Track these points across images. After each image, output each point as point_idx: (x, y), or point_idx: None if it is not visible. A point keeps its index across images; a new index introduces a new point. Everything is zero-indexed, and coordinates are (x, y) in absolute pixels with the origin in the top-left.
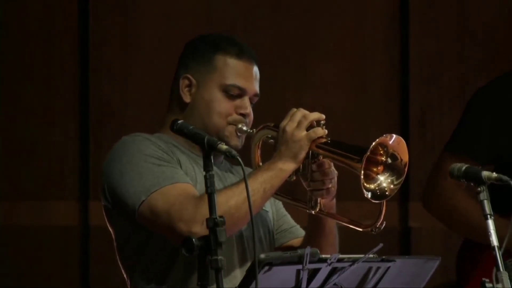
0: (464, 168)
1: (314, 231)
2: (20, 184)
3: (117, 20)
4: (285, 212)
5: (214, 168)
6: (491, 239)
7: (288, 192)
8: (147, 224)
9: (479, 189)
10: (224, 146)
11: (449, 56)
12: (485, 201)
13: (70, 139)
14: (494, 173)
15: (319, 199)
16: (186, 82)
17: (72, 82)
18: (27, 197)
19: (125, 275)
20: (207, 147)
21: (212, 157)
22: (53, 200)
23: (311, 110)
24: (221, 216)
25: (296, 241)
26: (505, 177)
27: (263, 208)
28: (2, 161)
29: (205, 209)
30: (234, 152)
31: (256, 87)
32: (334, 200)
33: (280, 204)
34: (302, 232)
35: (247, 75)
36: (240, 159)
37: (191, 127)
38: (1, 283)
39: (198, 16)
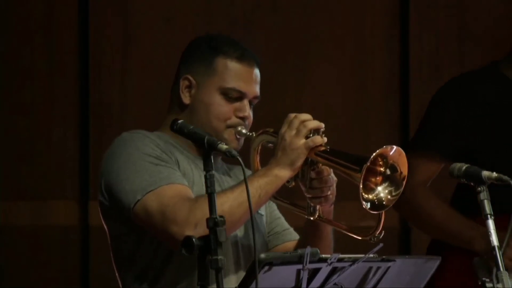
0: (464, 168)
1: (310, 235)
2: (20, 184)
3: (117, 20)
4: (279, 215)
5: None
6: (491, 239)
7: (287, 196)
8: (141, 223)
9: (479, 189)
10: (224, 146)
11: (449, 56)
12: (485, 201)
13: (70, 139)
14: (494, 173)
15: (318, 206)
16: (186, 83)
17: (72, 82)
18: (27, 197)
19: (117, 274)
20: (207, 147)
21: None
22: (53, 200)
23: (311, 110)
24: (221, 216)
25: (290, 244)
26: (505, 177)
27: (258, 211)
28: (2, 161)
29: (199, 212)
30: (234, 152)
31: (256, 89)
32: (332, 207)
33: (274, 206)
34: (295, 236)
35: (247, 78)
36: (240, 159)
37: (191, 127)
38: (1, 283)
39: (198, 16)
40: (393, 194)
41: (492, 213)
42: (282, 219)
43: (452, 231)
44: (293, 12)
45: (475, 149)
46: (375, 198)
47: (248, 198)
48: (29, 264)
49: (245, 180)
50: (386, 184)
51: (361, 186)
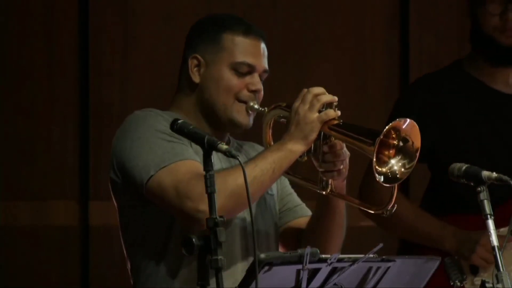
0: (464, 168)
1: (323, 212)
2: (20, 184)
3: (117, 19)
4: (291, 191)
5: None
6: (491, 239)
7: (298, 171)
8: (155, 199)
9: (479, 189)
10: (224, 146)
11: (449, 56)
12: (485, 201)
13: (70, 139)
14: (494, 173)
15: (330, 180)
16: (195, 62)
17: (72, 82)
18: (27, 197)
19: (125, 252)
20: (207, 147)
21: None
22: (53, 200)
23: None
24: (221, 216)
25: (302, 220)
26: (505, 177)
27: (269, 192)
28: (2, 161)
29: None
30: (234, 152)
31: (265, 63)
32: (345, 181)
33: (286, 182)
34: (307, 211)
35: (255, 52)
36: (240, 159)
37: (191, 126)
38: (1, 283)
39: (198, 16)
40: (407, 166)
41: (492, 213)
42: (294, 195)
43: (422, 231)
44: (293, 12)
45: (440, 148)
46: (388, 171)
47: (247, 190)
48: (29, 264)
49: (245, 179)
50: (399, 156)
51: (374, 160)
